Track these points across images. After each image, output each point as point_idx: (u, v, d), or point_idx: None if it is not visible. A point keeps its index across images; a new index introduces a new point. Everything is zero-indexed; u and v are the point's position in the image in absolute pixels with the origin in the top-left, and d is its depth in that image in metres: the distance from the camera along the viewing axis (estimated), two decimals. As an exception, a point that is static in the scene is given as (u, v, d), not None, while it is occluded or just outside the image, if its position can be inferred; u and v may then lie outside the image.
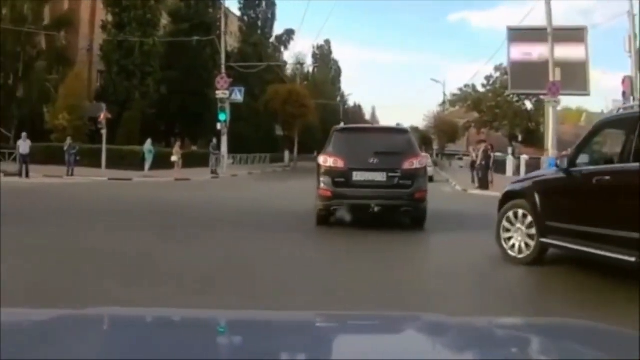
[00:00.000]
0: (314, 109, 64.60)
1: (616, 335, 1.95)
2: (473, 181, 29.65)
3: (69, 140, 32.04)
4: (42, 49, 44.00)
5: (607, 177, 7.26)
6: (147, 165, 33.45)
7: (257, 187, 29.47)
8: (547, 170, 12.78)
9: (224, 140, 40.94)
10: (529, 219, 8.61)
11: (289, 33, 72.57)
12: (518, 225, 8.79)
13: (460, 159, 68.22)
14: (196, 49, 49.57)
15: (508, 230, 8.95)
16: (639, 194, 6.56)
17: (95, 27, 48.32)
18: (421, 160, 12.91)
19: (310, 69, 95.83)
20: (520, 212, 8.80)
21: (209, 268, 8.38)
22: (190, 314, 2.21)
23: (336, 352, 1.72)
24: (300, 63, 77.94)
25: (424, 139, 73.48)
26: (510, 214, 8.96)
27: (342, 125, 16.70)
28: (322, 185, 12.53)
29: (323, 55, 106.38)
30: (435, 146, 79.76)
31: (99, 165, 33.27)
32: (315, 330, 1.99)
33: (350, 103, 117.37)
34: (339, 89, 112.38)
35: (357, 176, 12.32)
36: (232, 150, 43.83)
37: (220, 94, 40.69)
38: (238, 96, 42.80)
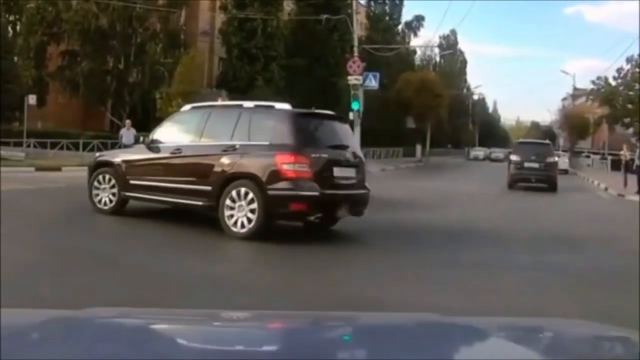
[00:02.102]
0: (448, 100, 59.31)
1: (616, 335, 1.96)
2: (625, 185, 26.69)
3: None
4: (155, 31, 40.82)
5: (179, 150, 10.57)
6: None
7: (407, 187, 24.07)
8: (131, 144, 18.61)
9: (357, 131, 35.60)
10: (113, 181, 11.34)
11: (419, 19, 69.57)
12: (104, 185, 11.46)
13: (588, 156, 63.38)
14: (323, 33, 45.42)
15: (97, 189, 11.50)
16: (202, 160, 10.18)
17: (217, 10, 44.63)
18: (555, 159, 27.85)
19: (437, 58, 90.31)
20: (107, 176, 11.45)
21: None
22: (190, 314, 2.25)
23: (336, 352, 1.69)
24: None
25: (546, 135, 71.15)
26: (100, 177, 11.53)
27: (520, 139, 30.34)
28: (511, 168, 26.80)
29: (449, 45, 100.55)
30: (561, 142, 71.26)
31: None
32: (316, 330, 1.95)
33: (475, 96, 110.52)
34: (465, 80, 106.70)
35: (526, 164, 26.06)
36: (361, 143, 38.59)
37: (352, 79, 35.27)
38: (372, 82, 37.29)
